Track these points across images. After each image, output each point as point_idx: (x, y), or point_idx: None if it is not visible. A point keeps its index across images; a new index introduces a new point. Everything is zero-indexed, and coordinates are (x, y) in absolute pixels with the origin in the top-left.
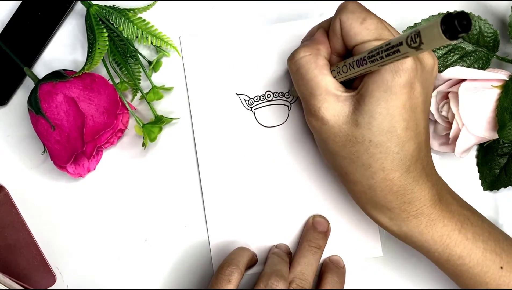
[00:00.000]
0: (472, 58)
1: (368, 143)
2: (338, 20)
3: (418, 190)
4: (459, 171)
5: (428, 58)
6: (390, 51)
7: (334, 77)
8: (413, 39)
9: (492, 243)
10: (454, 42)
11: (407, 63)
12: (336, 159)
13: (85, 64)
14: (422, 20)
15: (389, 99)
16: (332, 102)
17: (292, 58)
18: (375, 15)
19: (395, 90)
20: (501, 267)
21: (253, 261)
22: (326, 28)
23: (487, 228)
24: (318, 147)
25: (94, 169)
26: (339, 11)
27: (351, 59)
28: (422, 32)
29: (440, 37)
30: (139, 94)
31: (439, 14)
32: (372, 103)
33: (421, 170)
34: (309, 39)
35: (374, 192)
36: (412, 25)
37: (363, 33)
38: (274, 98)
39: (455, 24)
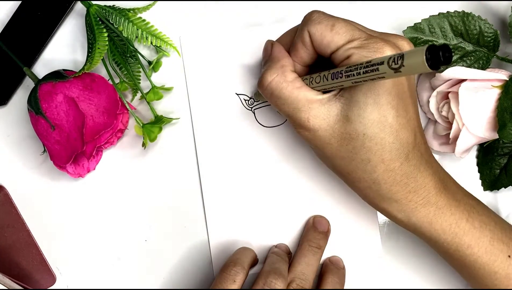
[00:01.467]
0: (472, 58)
1: (362, 137)
2: (306, 33)
3: (420, 178)
4: (459, 171)
5: (407, 47)
6: (369, 68)
7: (307, 85)
8: (395, 61)
9: (498, 232)
10: (430, 71)
11: (387, 52)
12: (335, 162)
13: (85, 64)
14: (422, 20)
15: (374, 88)
16: (318, 108)
17: (262, 86)
18: (341, 19)
19: (380, 81)
20: (509, 256)
21: (255, 261)
22: (283, 42)
23: (493, 218)
24: (316, 156)
25: (94, 169)
26: (306, 23)
27: (327, 72)
28: (406, 55)
29: (423, 64)
30: (139, 94)
31: (439, 14)
32: (358, 94)
33: (420, 157)
34: (269, 58)
35: (378, 185)
36: (412, 25)
37: (336, 39)
38: None
39: (439, 54)
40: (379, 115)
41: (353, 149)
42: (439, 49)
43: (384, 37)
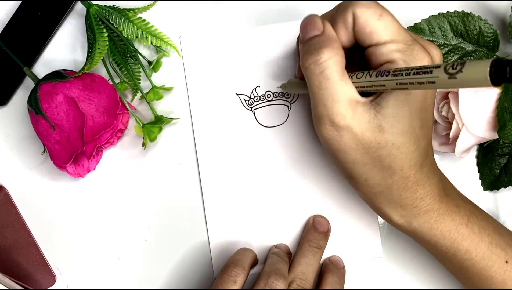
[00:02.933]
0: (472, 58)
1: (390, 146)
2: (351, 14)
3: (429, 185)
4: (459, 171)
5: (436, 56)
6: (422, 70)
7: None
8: (454, 66)
9: (497, 237)
10: (494, 88)
11: (426, 63)
12: (355, 167)
13: (85, 64)
14: (422, 20)
15: (410, 101)
16: (355, 109)
17: (316, 61)
18: (390, 12)
19: (415, 93)
20: (506, 262)
21: (255, 261)
22: (330, 21)
23: (491, 223)
24: (330, 159)
25: (94, 169)
26: (351, 3)
27: (372, 70)
28: (468, 63)
29: (483, 76)
30: (139, 94)
31: (439, 14)
32: (397, 106)
33: (430, 165)
34: (323, 36)
35: (390, 191)
36: (412, 25)
37: (380, 31)
38: (274, 98)
39: (506, 70)
40: (409, 126)
41: (378, 157)
42: (506, 64)
43: (424, 44)
